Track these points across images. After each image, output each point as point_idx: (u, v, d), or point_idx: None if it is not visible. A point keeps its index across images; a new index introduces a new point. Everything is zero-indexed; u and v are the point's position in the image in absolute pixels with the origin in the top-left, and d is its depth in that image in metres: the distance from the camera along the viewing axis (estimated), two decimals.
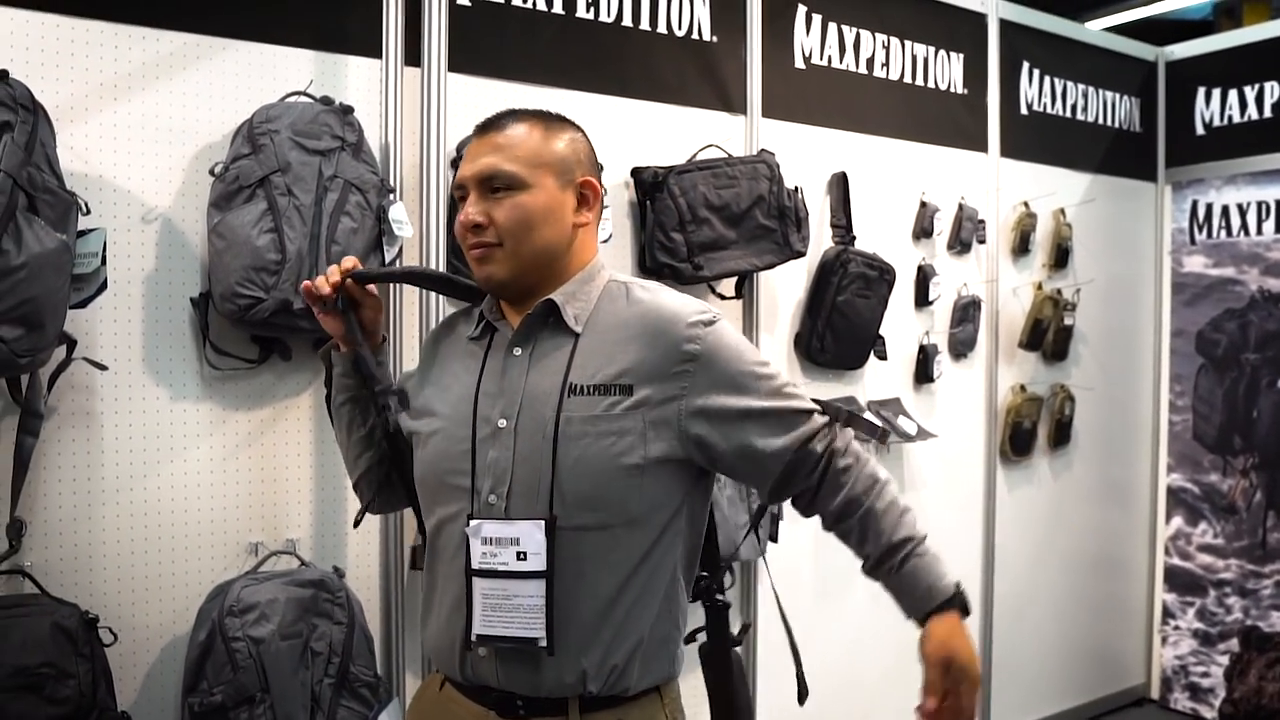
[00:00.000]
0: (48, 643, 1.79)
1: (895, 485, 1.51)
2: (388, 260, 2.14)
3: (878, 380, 3.24)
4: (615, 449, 1.42)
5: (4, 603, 1.84)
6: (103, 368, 1.98)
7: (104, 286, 1.90)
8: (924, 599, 1.46)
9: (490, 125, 1.52)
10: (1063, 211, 3.72)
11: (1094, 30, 3.95)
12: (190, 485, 2.11)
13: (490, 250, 1.47)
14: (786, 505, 2.81)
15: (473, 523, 1.46)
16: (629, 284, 1.54)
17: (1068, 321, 3.70)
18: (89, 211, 1.89)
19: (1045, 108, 3.72)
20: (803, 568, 3.09)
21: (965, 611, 1.47)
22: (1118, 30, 4.14)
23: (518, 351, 1.50)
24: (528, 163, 1.46)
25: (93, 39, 2.01)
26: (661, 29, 2.75)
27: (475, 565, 1.45)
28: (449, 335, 1.64)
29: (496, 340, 1.53)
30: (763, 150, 2.84)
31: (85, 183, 1.98)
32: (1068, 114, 3.80)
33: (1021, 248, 3.60)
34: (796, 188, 2.82)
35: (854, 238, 3.07)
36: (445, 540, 1.52)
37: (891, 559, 1.48)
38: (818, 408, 1.50)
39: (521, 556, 1.44)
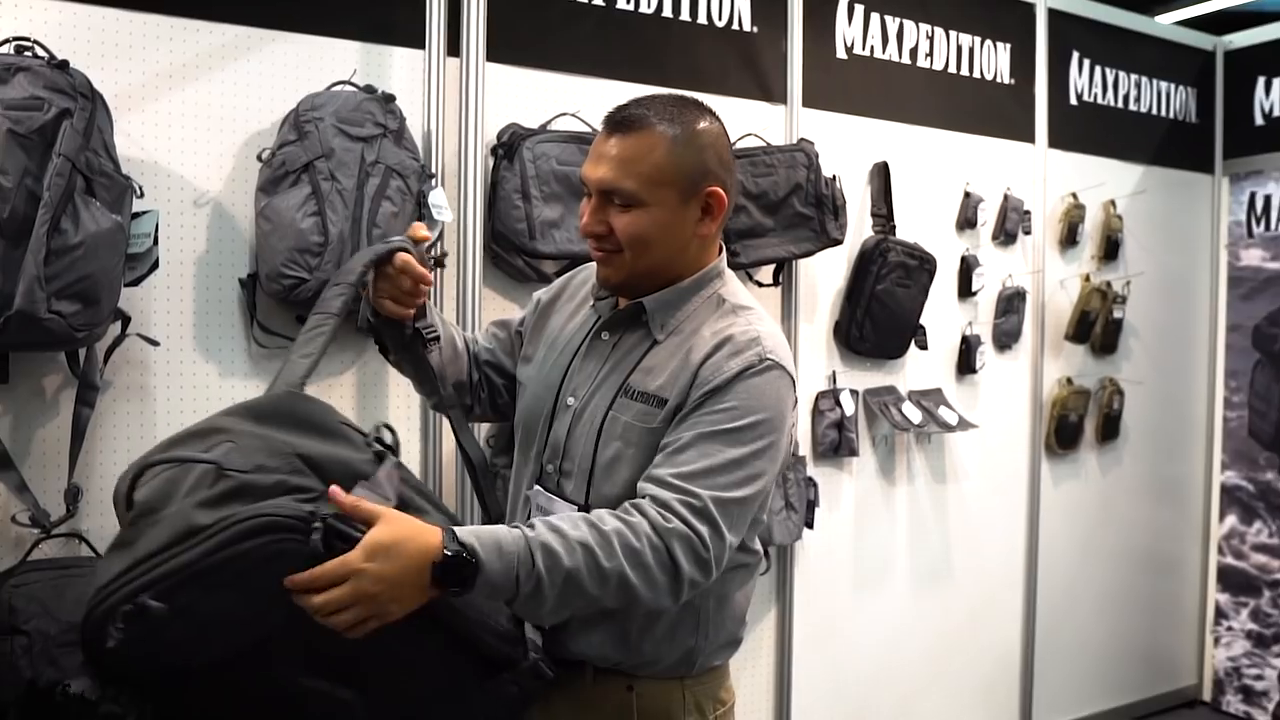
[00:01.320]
0: None
1: (613, 574, 1.31)
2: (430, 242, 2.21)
3: (919, 370, 3.24)
4: (640, 461, 1.45)
5: (60, 563, 1.95)
6: (155, 343, 2.07)
7: (156, 266, 2.00)
8: (460, 533, 1.26)
9: (619, 124, 1.47)
10: (1113, 203, 3.68)
11: (1148, 20, 3.89)
12: None
13: (610, 255, 1.49)
14: (822, 491, 2.85)
15: (535, 487, 1.54)
16: (732, 304, 1.53)
17: (1117, 314, 3.66)
18: (143, 194, 1.99)
19: (1096, 98, 3.68)
20: (839, 554, 3.11)
21: (440, 568, 1.22)
22: (1180, 21, 4.07)
23: (605, 337, 1.56)
24: (649, 180, 1.44)
25: (149, 31, 2.11)
26: (701, 20, 2.79)
27: None
28: (580, 287, 1.68)
29: (600, 319, 1.59)
30: (802, 139, 2.86)
31: (140, 168, 2.07)
32: (1120, 105, 3.75)
33: (1069, 239, 3.57)
34: (834, 176, 2.84)
35: (894, 227, 3.08)
36: (517, 488, 1.62)
37: (526, 525, 1.33)
38: (705, 527, 1.35)
39: None
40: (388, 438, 1.40)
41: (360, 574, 1.18)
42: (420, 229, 1.58)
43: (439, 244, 2.26)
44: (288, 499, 1.20)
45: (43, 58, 1.90)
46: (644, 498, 1.38)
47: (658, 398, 1.46)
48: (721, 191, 1.49)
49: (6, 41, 1.90)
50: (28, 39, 1.92)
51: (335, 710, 1.30)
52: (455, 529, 1.26)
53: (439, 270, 1.58)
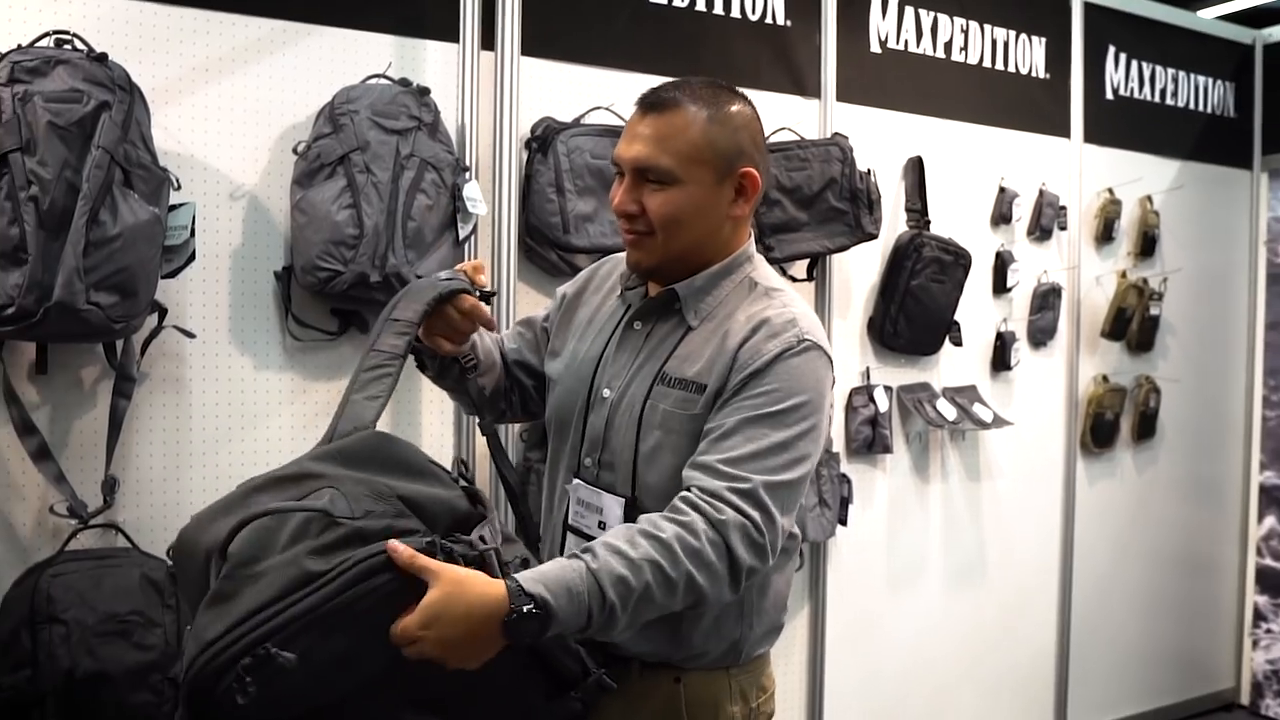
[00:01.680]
0: (137, 592, 1.89)
1: (681, 579, 1.30)
2: (462, 236, 2.21)
3: (953, 367, 3.21)
4: (683, 448, 1.44)
5: (97, 554, 1.96)
6: (191, 335, 2.08)
7: (193, 258, 2.01)
8: (526, 584, 1.23)
9: (654, 104, 1.46)
10: (1149, 199, 3.64)
11: (1186, 13, 3.83)
12: (271, 452, 2.20)
13: (641, 238, 1.47)
14: (856, 487, 2.83)
15: (574, 481, 1.53)
16: (764, 287, 1.51)
17: (1153, 311, 3.62)
18: (180, 187, 1.99)
19: (1132, 93, 3.64)
20: (873, 552, 3.08)
21: (510, 626, 1.20)
22: (1224, 16, 4.01)
23: (637, 326, 1.54)
24: (684, 157, 1.42)
25: (186, 25, 2.12)
26: (735, 14, 2.77)
27: (569, 520, 1.52)
28: (606, 279, 1.66)
29: (630, 308, 1.57)
30: (836, 134, 2.84)
31: (177, 161, 2.08)
32: (1156, 99, 3.70)
33: (1105, 235, 3.53)
34: (869, 170, 2.81)
35: (929, 222, 3.05)
36: (553, 483, 1.61)
37: (585, 553, 1.30)
38: (757, 512, 1.33)
39: (602, 526, 1.49)
40: (468, 473, 1.42)
41: (420, 641, 1.17)
42: (480, 273, 1.56)
43: (473, 235, 2.27)
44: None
45: (82, 50, 1.91)
46: (690, 488, 1.36)
47: (696, 383, 1.44)
48: (755, 173, 1.48)
49: (46, 35, 1.91)
50: (67, 32, 1.93)
51: None
52: (520, 578, 1.22)
53: (490, 301, 1.56)
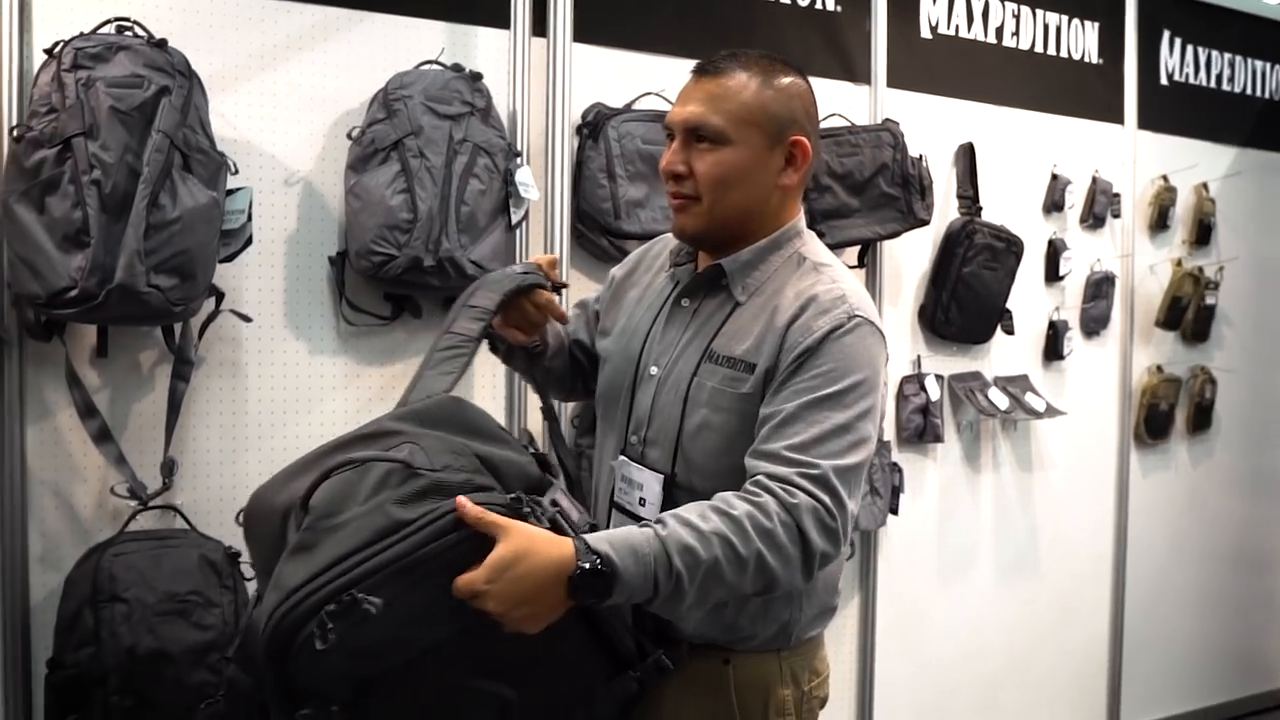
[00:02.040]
0: (195, 573, 1.91)
1: (751, 558, 1.27)
2: (514, 221, 2.21)
3: (1005, 356, 3.17)
4: (730, 427, 1.42)
5: (157, 534, 1.98)
6: (247, 319, 2.10)
7: (249, 242, 2.02)
8: (593, 542, 1.22)
9: (707, 69, 1.46)
10: (1205, 186, 3.57)
11: None
12: (325, 435, 2.15)
13: (687, 202, 1.46)
14: (906, 476, 2.81)
15: (620, 457, 1.52)
16: (812, 262, 1.49)
17: (1209, 300, 3.55)
18: (237, 171, 2.01)
19: (1188, 78, 3.58)
20: (923, 541, 3.06)
21: (575, 583, 1.19)
22: None
23: (685, 303, 1.53)
24: (736, 117, 1.41)
25: (242, 12, 2.14)
26: (785, 0, 2.76)
27: (614, 497, 1.52)
28: (656, 258, 1.66)
29: (679, 285, 1.56)
30: (887, 119, 2.82)
31: (233, 146, 2.10)
32: (1212, 84, 3.64)
33: (1159, 223, 3.47)
34: (920, 156, 2.79)
35: (980, 209, 3.02)
36: (600, 460, 1.60)
37: (655, 523, 1.28)
38: (828, 497, 1.30)
39: (642, 503, 1.49)
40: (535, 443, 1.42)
41: (484, 596, 1.15)
42: (554, 268, 1.59)
43: (525, 221, 2.27)
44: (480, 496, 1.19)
45: (142, 37, 1.93)
46: (759, 475, 1.34)
47: (745, 362, 1.43)
48: (806, 142, 1.46)
49: (108, 22, 1.94)
50: (128, 19, 1.95)
51: (493, 714, 1.28)
52: (587, 537, 1.21)
53: (563, 292, 1.58)
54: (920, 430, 2.93)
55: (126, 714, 1.80)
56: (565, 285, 1.60)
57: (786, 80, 1.46)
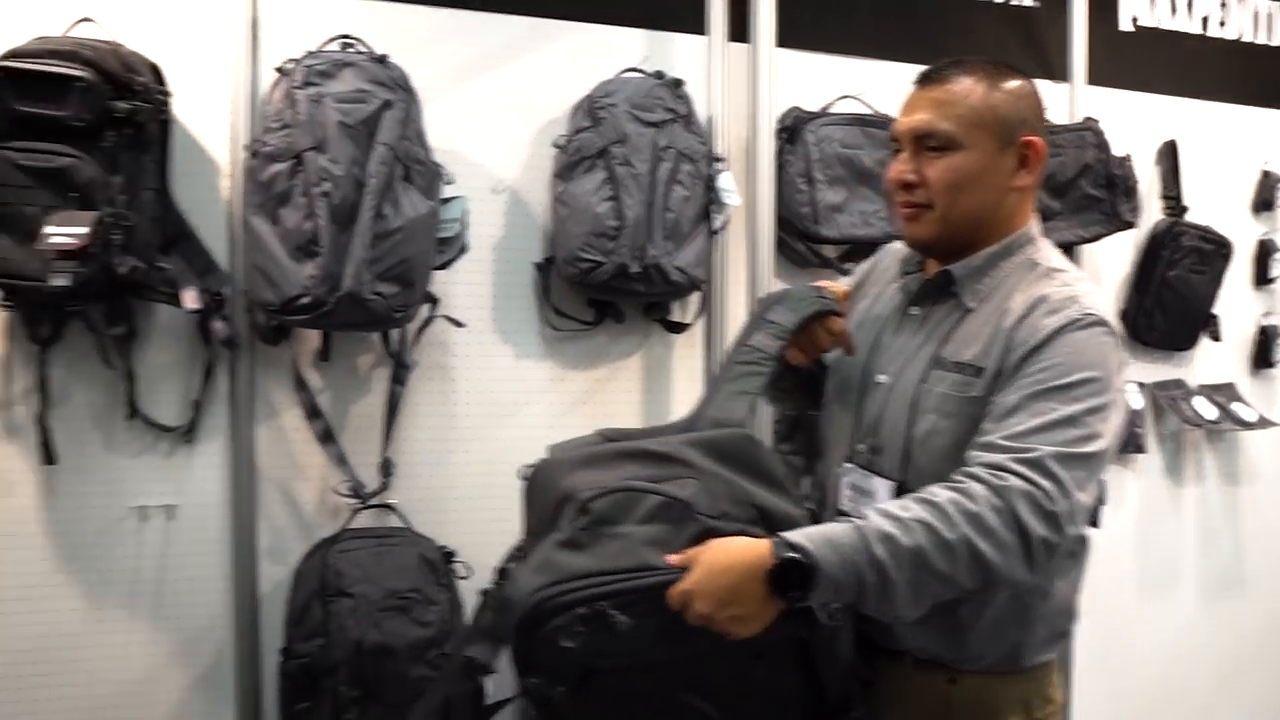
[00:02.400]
0: (415, 571, 1.98)
1: (960, 544, 1.23)
2: (716, 227, 2.22)
3: (1210, 363, 3.01)
4: (958, 431, 1.38)
5: (377, 533, 2.06)
6: (460, 325, 2.16)
7: (464, 250, 2.08)
8: (789, 536, 1.23)
9: (931, 77, 1.46)
10: None
11: None
12: (531, 439, 2.19)
13: (919, 211, 1.45)
14: (1111, 487, 2.68)
15: (846, 465, 1.50)
16: (1045, 267, 1.45)
17: None
18: (452, 181, 2.07)
19: None
20: (1123, 557, 2.93)
21: (774, 575, 1.20)
22: None
23: (914, 311, 1.51)
24: (965, 122, 1.40)
25: (451, 25, 2.21)
26: None
27: (842, 506, 1.49)
28: (886, 270, 1.64)
29: (908, 293, 1.54)
30: (1088, 118, 2.71)
31: (444, 156, 2.13)
32: None
33: None
34: (1126, 155, 2.68)
35: (1184, 209, 2.88)
36: (826, 469, 1.58)
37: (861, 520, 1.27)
38: (1046, 480, 1.25)
39: None
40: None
41: (692, 595, 1.20)
42: (845, 299, 1.58)
43: (725, 225, 2.27)
44: None
45: (365, 53, 2.01)
46: (972, 464, 1.30)
47: (974, 366, 1.39)
48: (1039, 141, 1.44)
49: (334, 39, 2.02)
50: (351, 37, 2.03)
51: None
52: (784, 534, 1.23)
53: None
54: (1121, 440, 2.81)
55: (353, 704, 1.88)
56: (843, 314, 1.59)
57: (1013, 83, 1.45)
